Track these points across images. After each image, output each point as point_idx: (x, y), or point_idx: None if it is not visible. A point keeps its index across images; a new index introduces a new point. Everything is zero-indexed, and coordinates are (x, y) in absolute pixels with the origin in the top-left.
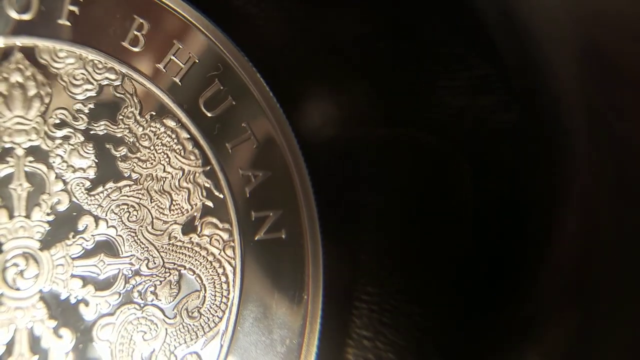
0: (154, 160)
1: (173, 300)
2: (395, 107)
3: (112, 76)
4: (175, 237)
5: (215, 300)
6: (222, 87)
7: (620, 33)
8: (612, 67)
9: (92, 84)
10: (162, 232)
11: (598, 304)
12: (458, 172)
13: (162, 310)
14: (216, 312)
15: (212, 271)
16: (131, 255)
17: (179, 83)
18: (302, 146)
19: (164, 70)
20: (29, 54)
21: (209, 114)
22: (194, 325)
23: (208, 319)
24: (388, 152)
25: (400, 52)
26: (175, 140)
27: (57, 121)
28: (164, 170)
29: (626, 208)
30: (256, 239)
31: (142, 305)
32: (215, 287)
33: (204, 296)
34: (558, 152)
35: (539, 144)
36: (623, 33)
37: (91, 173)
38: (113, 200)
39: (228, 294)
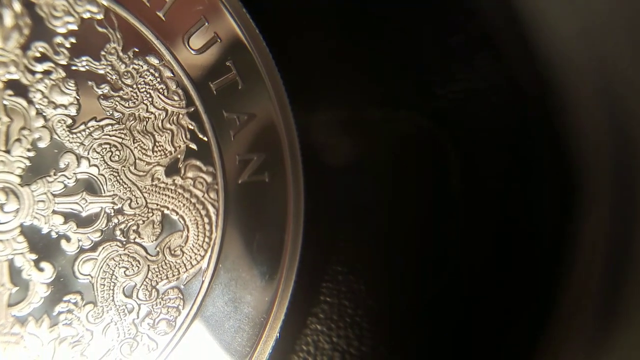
0: (137, 100)
1: (156, 239)
2: (394, 89)
3: (94, 9)
4: (159, 179)
5: (198, 239)
6: (207, 24)
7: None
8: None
9: (74, 16)
10: (145, 173)
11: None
12: (447, 162)
13: (144, 247)
14: (198, 250)
15: (195, 213)
16: (113, 195)
17: (163, 18)
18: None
19: (147, 4)
20: None
21: (193, 52)
22: (176, 262)
23: (190, 257)
24: (380, 135)
25: (402, 41)
26: (159, 79)
27: (38, 55)
28: (147, 110)
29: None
30: (240, 181)
31: (124, 242)
32: (198, 227)
33: (187, 236)
34: (563, 155)
35: (543, 144)
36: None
37: (73, 110)
38: (95, 139)
39: (211, 234)
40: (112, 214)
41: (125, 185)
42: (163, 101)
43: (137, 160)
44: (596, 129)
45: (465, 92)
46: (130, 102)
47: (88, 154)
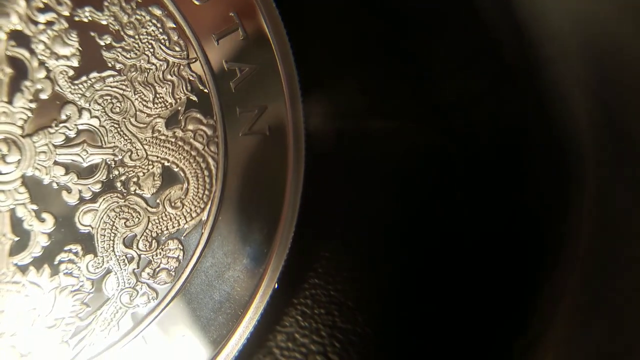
0: (138, 51)
1: (156, 191)
2: (398, 95)
3: None
4: (159, 131)
5: (198, 192)
6: None
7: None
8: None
9: None
10: (145, 125)
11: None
12: (449, 167)
13: (144, 199)
14: (198, 203)
15: (195, 165)
16: (114, 146)
17: None
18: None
19: None
20: None
21: (196, 2)
22: (176, 214)
23: (190, 209)
24: (381, 144)
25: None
26: (161, 30)
27: (40, 5)
28: (148, 62)
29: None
30: (240, 134)
31: (124, 194)
32: (198, 180)
33: (187, 188)
34: (561, 154)
35: (541, 143)
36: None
37: (75, 61)
38: (97, 90)
39: (211, 187)
40: (113, 166)
41: (125, 137)
42: (164, 52)
43: (137, 112)
44: (594, 126)
45: (467, 96)
46: (132, 53)
47: (89, 105)
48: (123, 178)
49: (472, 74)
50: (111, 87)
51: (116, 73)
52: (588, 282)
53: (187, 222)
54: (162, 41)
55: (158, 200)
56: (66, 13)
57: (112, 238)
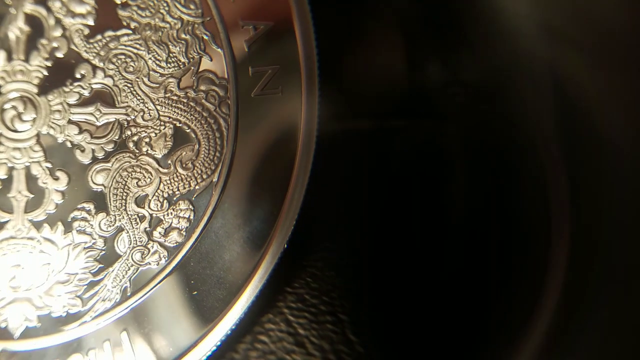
0: (153, 9)
1: (167, 152)
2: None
3: None
4: (172, 91)
5: (209, 153)
6: None
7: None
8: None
9: None
10: (158, 85)
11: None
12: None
13: (156, 160)
14: (209, 165)
15: (207, 127)
16: (127, 106)
17: None
18: None
19: None
20: None
21: None
22: (187, 175)
23: (201, 170)
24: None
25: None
26: None
27: None
28: (163, 20)
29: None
30: (252, 95)
31: (136, 154)
32: (209, 141)
33: (198, 150)
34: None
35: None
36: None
37: (90, 20)
38: (111, 49)
39: (222, 148)
40: (126, 126)
41: (138, 97)
42: (179, 10)
43: (150, 72)
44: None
45: (467, 95)
46: (147, 11)
47: (104, 64)
48: (135, 138)
49: (473, 73)
50: (125, 46)
51: (131, 32)
52: (586, 282)
53: (198, 183)
54: None
55: (169, 161)
56: None
57: (124, 197)
